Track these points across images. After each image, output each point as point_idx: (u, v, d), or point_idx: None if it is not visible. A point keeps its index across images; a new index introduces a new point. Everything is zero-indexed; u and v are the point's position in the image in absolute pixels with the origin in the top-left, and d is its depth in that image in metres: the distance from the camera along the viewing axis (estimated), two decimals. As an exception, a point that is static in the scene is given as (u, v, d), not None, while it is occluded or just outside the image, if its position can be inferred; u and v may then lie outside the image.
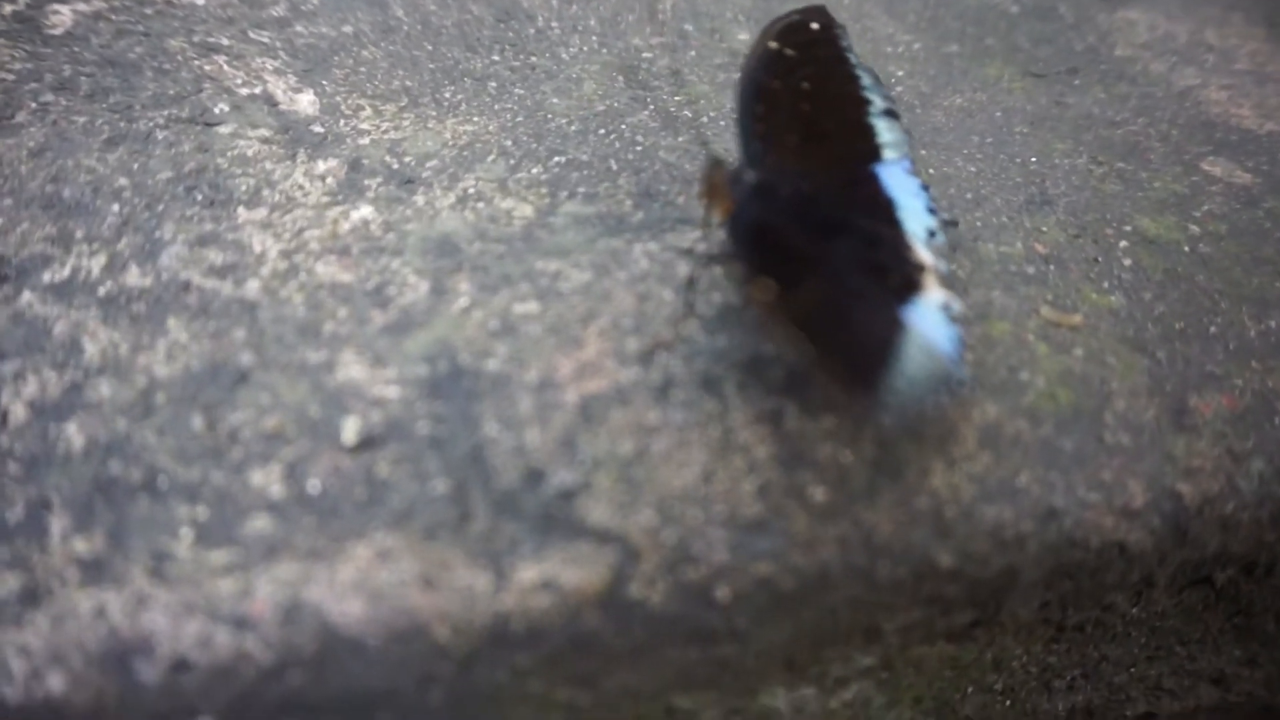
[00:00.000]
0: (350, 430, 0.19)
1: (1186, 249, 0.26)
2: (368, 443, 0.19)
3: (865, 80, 0.24)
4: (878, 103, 0.23)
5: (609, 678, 0.19)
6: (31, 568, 0.17)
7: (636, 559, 0.18)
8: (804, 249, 0.20)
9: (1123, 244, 0.26)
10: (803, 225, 0.20)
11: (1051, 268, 0.25)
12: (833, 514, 0.19)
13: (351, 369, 0.20)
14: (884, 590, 0.20)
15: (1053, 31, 0.35)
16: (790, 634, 0.20)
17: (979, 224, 0.26)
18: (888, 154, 0.22)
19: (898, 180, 0.22)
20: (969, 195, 0.26)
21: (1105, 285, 0.24)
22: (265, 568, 0.17)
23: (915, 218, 0.22)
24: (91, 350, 0.20)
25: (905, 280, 0.20)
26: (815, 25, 0.24)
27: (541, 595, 0.18)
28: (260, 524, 0.18)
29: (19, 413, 0.19)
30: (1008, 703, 0.25)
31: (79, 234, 0.22)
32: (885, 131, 0.23)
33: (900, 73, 0.32)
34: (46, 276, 0.21)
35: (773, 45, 0.23)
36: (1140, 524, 0.20)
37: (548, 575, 0.18)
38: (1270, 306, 0.24)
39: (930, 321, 0.19)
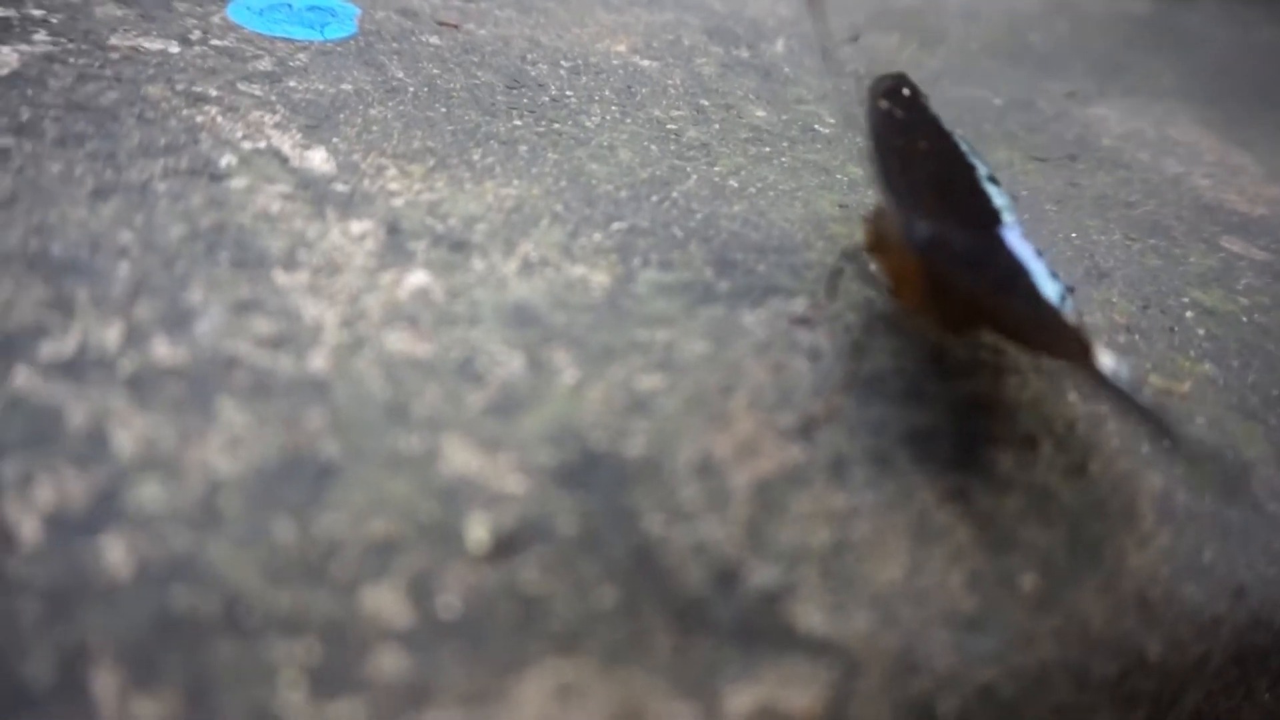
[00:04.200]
0: (478, 533, 0.15)
1: (1244, 319, 0.26)
2: (504, 548, 0.15)
3: (963, 146, 0.23)
4: (981, 168, 0.22)
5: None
6: (76, 747, 0.12)
7: (857, 672, 0.15)
8: (984, 305, 0.18)
9: (1188, 314, 0.26)
10: (978, 280, 0.18)
11: (1137, 337, 0.24)
12: (1045, 604, 0.17)
13: (461, 458, 0.16)
14: (1090, 692, 0.17)
15: (1039, 122, 0.36)
16: (988, 753, 0.17)
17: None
18: (1005, 217, 0.21)
19: (1019, 245, 0.21)
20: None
21: (1192, 354, 0.24)
22: (414, 720, 0.13)
23: (1045, 282, 0.20)
24: (124, 441, 0.15)
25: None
26: (906, 90, 0.23)
27: (759, 728, 0.14)
28: (390, 660, 0.14)
29: (32, 530, 0.14)
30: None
31: (82, 297, 0.17)
32: (997, 196, 0.22)
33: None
34: (47, 350, 0.16)
35: (884, 105, 0.21)
36: (1313, 597, 0.19)
37: (765, 701, 0.14)
38: (1344, 371, 0.25)
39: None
